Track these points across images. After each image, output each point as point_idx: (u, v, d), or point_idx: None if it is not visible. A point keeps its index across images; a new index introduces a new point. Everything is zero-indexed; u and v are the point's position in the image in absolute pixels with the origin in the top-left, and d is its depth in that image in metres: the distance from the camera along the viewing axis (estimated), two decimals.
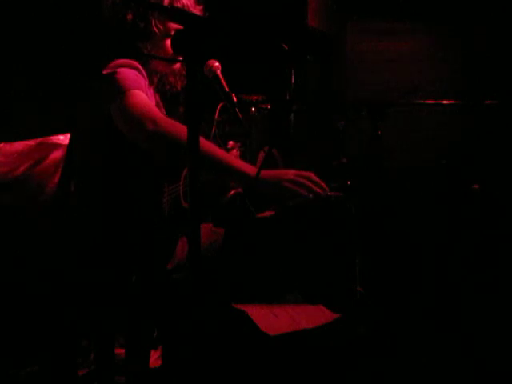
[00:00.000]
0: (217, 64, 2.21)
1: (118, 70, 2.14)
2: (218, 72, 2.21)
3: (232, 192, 2.77)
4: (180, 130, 2.02)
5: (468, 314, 2.79)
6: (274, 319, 2.23)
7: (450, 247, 3.18)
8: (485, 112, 3.52)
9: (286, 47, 2.71)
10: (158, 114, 2.10)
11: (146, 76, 2.23)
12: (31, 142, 2.36)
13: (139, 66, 2.21)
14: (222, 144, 2.57)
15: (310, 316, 2.30)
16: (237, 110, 2.22)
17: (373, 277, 2.81)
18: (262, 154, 2.95)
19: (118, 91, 2.09)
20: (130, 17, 2.23)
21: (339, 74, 4.21)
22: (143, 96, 2.11)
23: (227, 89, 2.21)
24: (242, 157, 2.73)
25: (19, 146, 2.32)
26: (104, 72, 2.15)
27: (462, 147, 3.80)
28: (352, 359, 2.28)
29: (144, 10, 2.20)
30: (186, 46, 1.61)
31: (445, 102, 3.02)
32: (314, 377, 2.20)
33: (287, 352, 2.19)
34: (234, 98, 2.22)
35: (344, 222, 2.81)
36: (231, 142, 2.58)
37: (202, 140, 1.94)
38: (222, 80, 2.21)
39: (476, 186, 3.17)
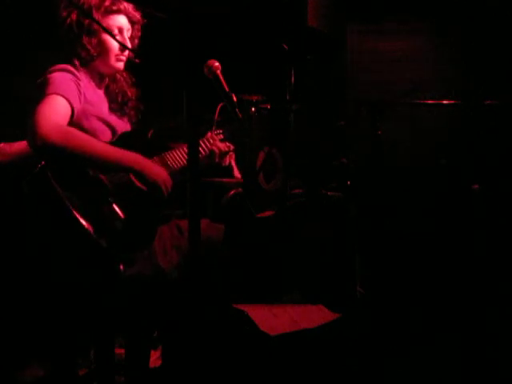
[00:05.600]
0: (217, 64, 2.22)
1: (49, 75, 2.20)
2: (218, 72, 2.21)
3: (232, 192, 2.78)
4: (77, 144, 2.09)
5: (468, 314, 2.79)
6: (274, 319, 2.24)
7: (449, 247, 3.18)
8: (485, 112, 3.52)
9: (286, 47, 2.71)
10: (57, 128, 2.08)
11: (81, 78, 2.27)
12: None
13: (72, 69, 2.25)
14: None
15: (310, 316, 2.31)
16: (237, 109, 2.22)
17: (373, 277, 2.81)
18: (262, 154, 2.95)
19: (41, 95, 2.13)
20: (74, 16, 2.30)
21: (339, 74, 4.20)
22: (58, 103, 2.13)
23: (227, 89, 2.21)
24: (243, 156, 2.73)
25: (19, 145, 2.31)
26: (38, 80, 2.20)
27: (461, 147, 3.80)
28: (352, 359, 2.29)
29: (87, 8, 2.28)
30: (186, 46, 1.61)
31: (445, 102, 3.03)
32: (314, 377, 2.21)
33: (287, 352, 2.19)
34: (234, 98, 2.22)
35: (344, 222, 2.81)
36: (227, 144, 2.58)
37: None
38: (222, 80, 2.21)
39: (476, 186, 3.17)
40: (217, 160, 2.52)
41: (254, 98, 2.82)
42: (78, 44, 2.30)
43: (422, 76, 4.06)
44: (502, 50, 3.93)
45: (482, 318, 2.74)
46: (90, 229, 2.05)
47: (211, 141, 2.50)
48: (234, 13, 3.26)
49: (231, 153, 2.57)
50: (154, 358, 2.56)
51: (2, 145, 2.33)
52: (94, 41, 2.31)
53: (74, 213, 2.04)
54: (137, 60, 2.42)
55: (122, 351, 2.43)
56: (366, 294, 2.72)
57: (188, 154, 1.62)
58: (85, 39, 2.30)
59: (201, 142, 2.48)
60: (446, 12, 4.07)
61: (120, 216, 2.14)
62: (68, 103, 2.16)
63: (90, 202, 2.10)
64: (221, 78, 2.21)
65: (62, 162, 2.09)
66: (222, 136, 2.54)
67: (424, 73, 4.10)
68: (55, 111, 2.12)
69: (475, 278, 3.00)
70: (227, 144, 2.55)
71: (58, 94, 2.14)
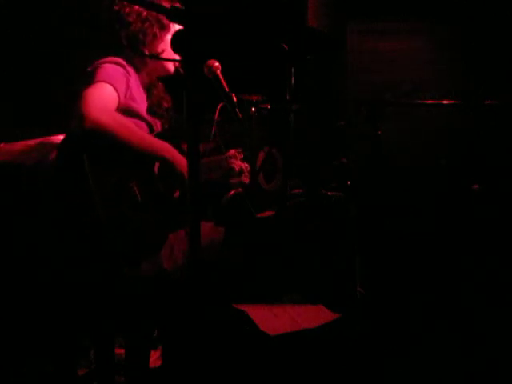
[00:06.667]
0: (217, 64, 2.22)
1: (102, 65, 2.21)
2: (218, 72, 2.21)
3: (232, 192, 2.77)
4: (122, 129, 2.09)
5: (468, 314, 2.79)
6: (274, 319, 2.24)
7: (449, 247, 3.18)
8: (485, 112, 3.52)
9: (286, 47, 2.71)
10: (105, 112, 2.09)
11: (131, 73, 2.28)
12: (31, 142, 2.35)
13: (124, 63, 2.26)
14: (223, 146, 2.56)
15: (310, 316, 2.31)
16: (237, 109, 2.22)
17: (373, 277, 2.81)
18: (261, 154, 2.95)
19: (89, 81, 2.13)
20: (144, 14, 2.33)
21: (339, 74, 4.21)
22: (106, 90, 2.14)
23: (227, 89, 2.21)
24: (243, 158, 2.72)
25: (19, 145, 2.32)
26: (88, 69, 2.21)
27: (462, 147, 3.80)
28: (352, 359, 2.29)
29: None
30: (185, 46, 1.61)
31: (445, 102, 3.02)
32: (313, 377, 2.21)
33: (287, 352, 2.19)
34: (234, 98, 2.22)
35: (344, 222, 2.81)
36: (246, 165, 2.58)
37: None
38: (222, 80, 2.21)
39: (476, 186, 3.17)
40: (232, 180, 2.54)
41: (254, 98, 2.81)
42: (141, 44, 2.33)
43: (421, 76, 4.07)
44: (502, 49, 3.94)
45: (482, 318, 2.75)
46: (107, 227, 2.05)
47: (233, 159, 2.51)
48: (233, 13, 3.26)
49: (246, 173, 2.57)
50: (154, 358, 2.56)
51: (1, 145, 2.33)
52: (159, 40, 2.34)
53: (97, 208, 2.04)
54: (182, 70, 2.45)
55: (122, 351, 2.43)
56: (366, 294, 2.72)
57: (188, 155, 1.61)
58: (148, 38, 2.33)
59: (223, 158, 2.49)
60: (446, 12, 4.08)
61: (139, 220, 2.14)
62: (116, 93, 2.18)
63: (115, 200, 2.10)
64: (221, 77, 2.21)
65: (102, 149, 2.08)
66: (242, 155, 2.55)
67: (424, 73, 4.11)
68: (104, 97, 2.13)
69: (475, 277, 3.01)
70: (245, 165, 2.56)
71: (107, 82, 2.15)
